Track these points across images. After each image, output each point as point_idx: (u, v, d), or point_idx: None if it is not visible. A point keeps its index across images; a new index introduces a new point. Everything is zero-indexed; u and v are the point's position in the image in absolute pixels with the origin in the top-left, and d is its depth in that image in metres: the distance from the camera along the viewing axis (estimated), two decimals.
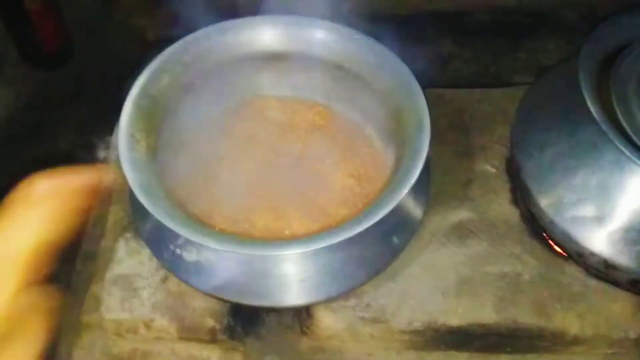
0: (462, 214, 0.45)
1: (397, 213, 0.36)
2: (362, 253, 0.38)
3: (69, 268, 0.50)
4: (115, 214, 0.48)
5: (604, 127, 0.37)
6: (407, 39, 0.47)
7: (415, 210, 0.40)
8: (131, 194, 0.45)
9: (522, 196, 0.44)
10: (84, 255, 0.50)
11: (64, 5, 0.59)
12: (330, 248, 0.34)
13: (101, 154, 0.63)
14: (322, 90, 0.48)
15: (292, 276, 0.38)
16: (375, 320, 0.41)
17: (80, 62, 0.63)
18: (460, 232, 0.44)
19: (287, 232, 0.40)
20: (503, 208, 0.46)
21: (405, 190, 0.34)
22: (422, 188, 0.41)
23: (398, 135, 0.41)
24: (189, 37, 0.44)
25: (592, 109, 0.37)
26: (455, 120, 0.50)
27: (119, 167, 0.53)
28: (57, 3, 0.58)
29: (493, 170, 0.47)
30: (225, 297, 0.39)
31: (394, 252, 0.39)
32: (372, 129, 0.47)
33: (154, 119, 0.41)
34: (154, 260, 0.43)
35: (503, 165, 0.48)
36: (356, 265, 0.38)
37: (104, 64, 0.62)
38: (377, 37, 0.45)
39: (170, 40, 0.51)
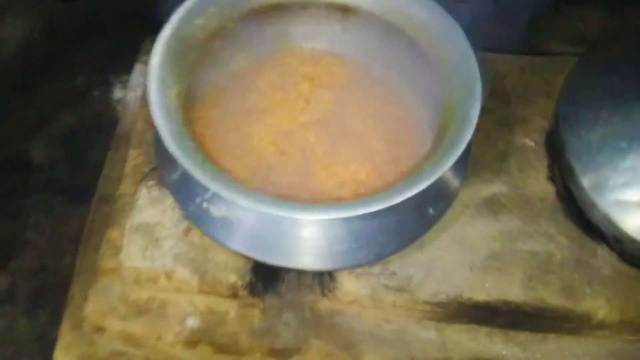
0: (496, 188, 0.43)
1: (437, 183, 0.35)
2: (396, 222, 0.36)
3: (83, 210, 0.49)
4: (134, 158, 0.47)
5: None
6: None
7: (454, 181, 0.39)
8: (157, 140, 0.43)
9: (562, 174, 0.43)
10: (99, 198, 0.48)
11: None
12: (364, 216, 0.33)
13: (118, 93, 0.61)
14: (358, 46, 0.46)
15: (320, 240, 0.37)
16: (399, 289, 0.40)
17: None
18: (494, 206, 0.43)
19: (316, 195, 0.39)
20: (539, 184, 0.44)
21: (452, 161, 0.33)
22: (462, 158, 0.39)
23: (441, 100, 0.39)
24: None
25: None
26: (496, 87, 0.48)
27: (138, 109, 0.51)
28: None
29: (532, 144, 0.45)
30: (250, 256, 0.38)
31: (429, 223, 0.38)
32: (409, 90, 0.44)
33: (184, 64, 0.39)
34: (177, 210, 0.41)
35: (542, 139, 0.46)
36: (388, 235, 0.37)
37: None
38: None
39: None
